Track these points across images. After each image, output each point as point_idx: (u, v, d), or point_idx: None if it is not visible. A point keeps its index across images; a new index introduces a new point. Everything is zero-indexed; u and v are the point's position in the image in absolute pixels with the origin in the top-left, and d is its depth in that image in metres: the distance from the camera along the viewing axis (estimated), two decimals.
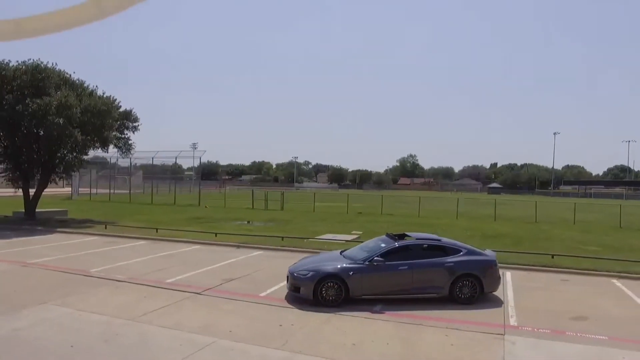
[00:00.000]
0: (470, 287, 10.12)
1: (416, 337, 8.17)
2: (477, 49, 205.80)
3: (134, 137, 30.63)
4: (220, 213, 33.00)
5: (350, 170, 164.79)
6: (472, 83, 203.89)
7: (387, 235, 11.39)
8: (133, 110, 30.38)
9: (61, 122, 22.38)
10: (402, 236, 11.05)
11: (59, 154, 25.76)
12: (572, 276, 13.36)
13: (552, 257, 14.97)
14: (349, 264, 10.21)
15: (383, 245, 10.62)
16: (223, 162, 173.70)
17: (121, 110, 29.32)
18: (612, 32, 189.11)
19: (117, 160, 50.94)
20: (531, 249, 17.05)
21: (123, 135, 30.44)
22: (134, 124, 30.58)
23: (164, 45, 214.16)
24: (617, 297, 11.24)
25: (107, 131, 26.45)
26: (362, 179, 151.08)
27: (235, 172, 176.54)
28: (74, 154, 26.13)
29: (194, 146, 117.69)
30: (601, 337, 8.27)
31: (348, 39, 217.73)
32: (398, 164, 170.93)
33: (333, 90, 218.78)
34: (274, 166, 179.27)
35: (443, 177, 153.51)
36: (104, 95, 27.02)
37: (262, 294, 10.88)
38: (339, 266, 10.13)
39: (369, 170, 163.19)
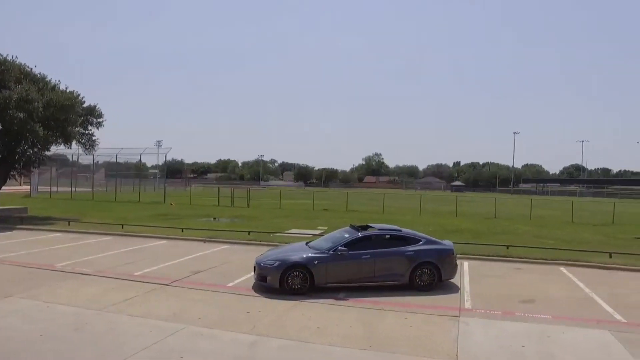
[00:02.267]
0: (429, 275, 10.71)
1: (377, 321, 8.65)
2: (439, 50, 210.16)
3: (97, 134, 30.07)
4: (186, 210, 32.87)
5: (316, 168, 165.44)
6: (435, 83, 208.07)
7: (351, 226, 11.89)
8: (97, 106, 29.95)
9: (22, 117, 21.92)
10: (365, 227, 11.55)
11: (19, 149, 25.18)
12: (524, 265, 14.21)
13: (507, 248, 15.82)
14: (314, 253, 10.63)
15: (347, 235, 11.10)
16: (188, 160, 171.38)
17: (85, 105, 28.86)
18: (569, 35, 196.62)
19: (79, 157, 49.80)
20: (489, 242, 17.88)
21: (87, 131, 29.96)
22: (98, 120, 30.12)
23: (128, 40, 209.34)
24: (562, 283, 12.09)
25: (70, 126, 25.96)
26: (328, 178, 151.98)
27: (200, 171, 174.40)
28: (35, 149, 25.60)
29: (159, 144, 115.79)
30: (546, 316, 9.01)
31: (315, 39, 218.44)
32: (364, 163, 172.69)
33: (299, 89, 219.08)
34: (240, 164, 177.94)
35: (408, 176, 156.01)
36: (67, 90, 26.54)
37: (230, 284, 11.18)
38: (304, 256, 10.55)
39: (335, 168, 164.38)
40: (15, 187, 54.30)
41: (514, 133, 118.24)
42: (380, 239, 11.04)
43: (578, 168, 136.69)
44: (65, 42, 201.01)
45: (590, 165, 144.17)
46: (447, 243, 11.63)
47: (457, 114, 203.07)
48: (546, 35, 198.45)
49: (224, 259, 14.39)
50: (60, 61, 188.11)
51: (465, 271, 13.09)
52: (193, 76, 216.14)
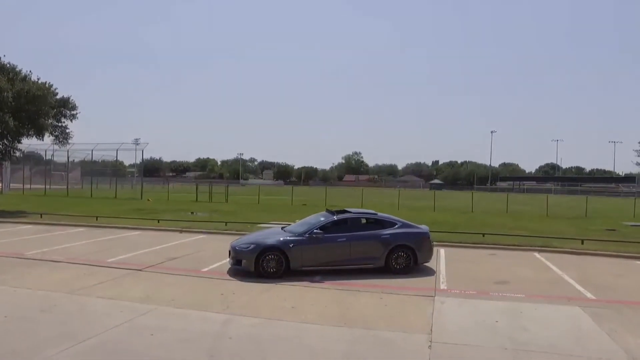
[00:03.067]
0: (405, 258, 10.73)
1: (353, 300, 8.62)
2: (418, 48, 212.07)
3: (72, 128, 29.57)
4: (163, 205, 32.35)
5: (296, 167, 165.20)
6: (414, 82, 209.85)
7: (327, 210, 11.86)
8: (71, 98, 29.38)
9: None
10: (341, 212, 11.51)
11: None
12: (499, 251, 14.37)
13: (483, 236, 16.01)
14: (290, 237, 10.55)
15: (322, 219, 11.06)
16: (167, 158, 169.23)
17: (58, 97, 28.27)
18: (546, 33, 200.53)
19: (54, 155, 48.47)
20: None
21: (60, 124, 29.36)
22: (72, 112, 29.59)
23: (107, 35, 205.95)
24: (536, 266, 12.27)
25: (42, 118, 25.36)
26: (307, 176, 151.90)
27: (179, 169, 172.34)
28: (5, 141, 24.92)
29: (136, 142, 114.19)
30: (519, 295, 9.10)
31: (293, 36, 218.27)
32: (343, 161, 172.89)
33: (278, 87, 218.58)
34: (219, 163, 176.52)
35: (387, 175, 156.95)
36: (39, 81, 25.93)
37: (205, 269, 11.03)
38: (280, 239, 10.46)
39: (315, 167, 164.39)
40: None
41: (491, 132, 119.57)
42: (356, 222, 11.03)
43: (553, 167, 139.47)
44: (39, 34, 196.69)
45: (565, 164, 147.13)
46: (423, 227, 11.69)
47: (436, 113, 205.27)
48: (526, 34, 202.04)
49: (200, 247, 14.21)
50: (33, 55, 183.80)
51: (442, 257, 13.18)
52: (171, 73, 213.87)
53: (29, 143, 38.82)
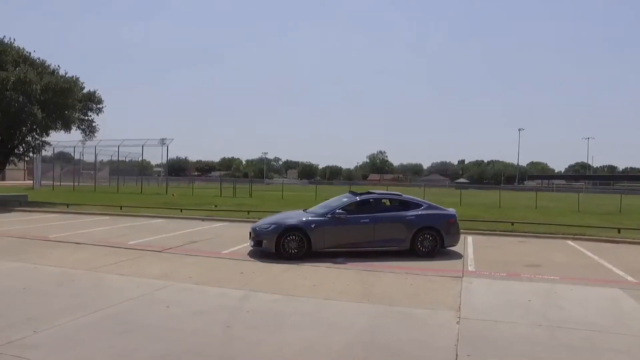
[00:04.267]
0: (431, 241, 10.31)
1: (375, 280, 8.28)
2: (444, 47, 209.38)
3: (98, 121, 29.96)
4: (187, 200, 32.46)
5: (320, 166, 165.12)
6: (441, 81, 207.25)
7: (350, 191, 11.51)
8: (97, 92, 29.74)
9: (20, 99, 21.69)
10: (365, 193, 11.17)
11: (19, 134, 24.98)
12: (529, 239, 13.77)
13: (512, 225, 15.40)
14: (312, 217, 10.27)
15: (345, 200, 10.74)
16: (193, 158, 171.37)
17: (85, 91, 28.65)
18: (576, 33, 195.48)
19: (82, 154, 49.41)
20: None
21: (87, 117, 29.77)
22: (98, 106, 29.93)
23: (134, 35, 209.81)
24: (570, 252, 11.67)
25: (69, 111, 25.74)
26: (332, 175, 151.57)
27: (204, 169, 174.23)
28: (34, 134, 25.39)
29: (162, 141, 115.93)
30: (552, 277, 8.59)
31: (318, 36, 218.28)
32: (368, 161, 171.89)
33: (303, 86, 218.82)
34: (244, 162, 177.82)
35: (412, 174, 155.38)
36: (67, 75, 26.33)
37: (225, 252, 10.84)
38: (302, 219, 10.19)
39: (340, 166, 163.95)
40: (18, 182, 54.27)
41: (519, 130, 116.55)
42: (380, 203, 10.69)
43: (584, 166, 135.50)
44: (71, 33, 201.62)
45: (596, 163, 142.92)
46: (450, 210, 11.24)
47: (462, 111, 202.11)
48: (552, 32, 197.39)
49: (221, 233, 14.05)
50: (63, 53, 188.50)
51: (469, 243, 12.68)
52: (198, 73, 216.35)
53: (57, 140, 39.69)
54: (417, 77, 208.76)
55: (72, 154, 49.56)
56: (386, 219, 10.32)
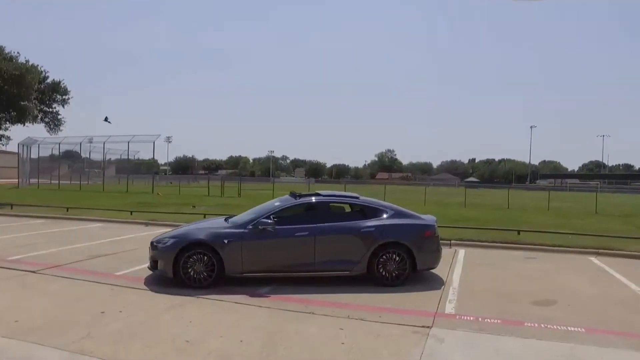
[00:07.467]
0: (398, 262, 7.26)
1: (293, 329, 5.32)
2: (454, 45, 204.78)
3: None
4: (171, 199, 29.78)
5: (328, 165, 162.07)
6: (450, 78, 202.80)
7: (291, 193, 8.37)
8: (62, 82, 27.07)
9: None
10: (312, 194, 8.14)
11: None
12: (540, 254, 10.67)
13: (519, 234, 12.32)
14: (228, 228, 7.29)
15: (277, 203, 7.73)
16: (200, 157, 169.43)
17: (48, 81, 26.01)
18: (589, 29, 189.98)
19: (90, 154, 47.06)
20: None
21: (51, 109, 27.13)
22: (64, 97, 27.29)
23: (138, 36, 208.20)
24: (595, 276, 8.55)
25: (24, 102, 23.06)
26: (339, 174, 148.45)
27: (211, 167, 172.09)
28: None
29: (168, 140, 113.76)
30: (574, 327, 5.51)
31: (326, 34, 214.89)
32: (376, 159, 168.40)
33: (311, 85, 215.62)
34: (251, 161, 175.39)
35: (421, 172, 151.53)
36: (28, 63, 23.64)
37: (119, 273, 7.95)
38: (212, 232, 7.20)
39: (347, 165, 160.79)
40: (9, 180, 51.78)
41: (531, 127, 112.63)
42: (326, 209, 7.59)
43: (598, 164, 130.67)
44: (74, 35, 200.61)
45: (612, 162, 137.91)
46: (427, 217, 8.15)
47: (473, 109, 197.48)
48: (568, 28, 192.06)
49: (146, 242, 11.15)
50: (65, 56, 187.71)
51: (459, 260, 9.66)
52: (205, 72, 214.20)
53: (64, 136, 36.69)
54: (427, 75, 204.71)
55: (79, 151, 47.29)
56: (333, 230, 7.25)
